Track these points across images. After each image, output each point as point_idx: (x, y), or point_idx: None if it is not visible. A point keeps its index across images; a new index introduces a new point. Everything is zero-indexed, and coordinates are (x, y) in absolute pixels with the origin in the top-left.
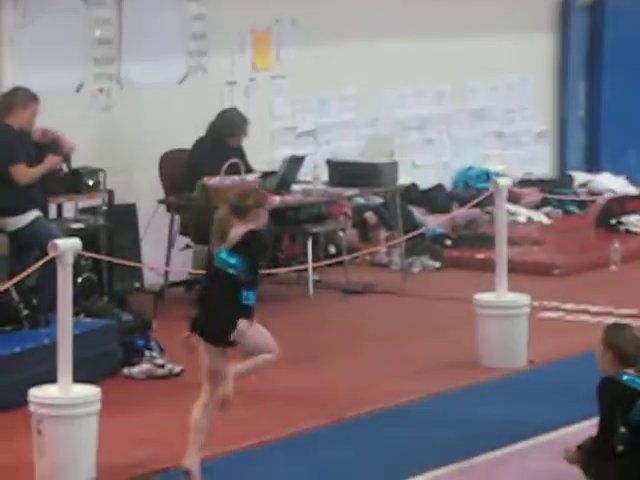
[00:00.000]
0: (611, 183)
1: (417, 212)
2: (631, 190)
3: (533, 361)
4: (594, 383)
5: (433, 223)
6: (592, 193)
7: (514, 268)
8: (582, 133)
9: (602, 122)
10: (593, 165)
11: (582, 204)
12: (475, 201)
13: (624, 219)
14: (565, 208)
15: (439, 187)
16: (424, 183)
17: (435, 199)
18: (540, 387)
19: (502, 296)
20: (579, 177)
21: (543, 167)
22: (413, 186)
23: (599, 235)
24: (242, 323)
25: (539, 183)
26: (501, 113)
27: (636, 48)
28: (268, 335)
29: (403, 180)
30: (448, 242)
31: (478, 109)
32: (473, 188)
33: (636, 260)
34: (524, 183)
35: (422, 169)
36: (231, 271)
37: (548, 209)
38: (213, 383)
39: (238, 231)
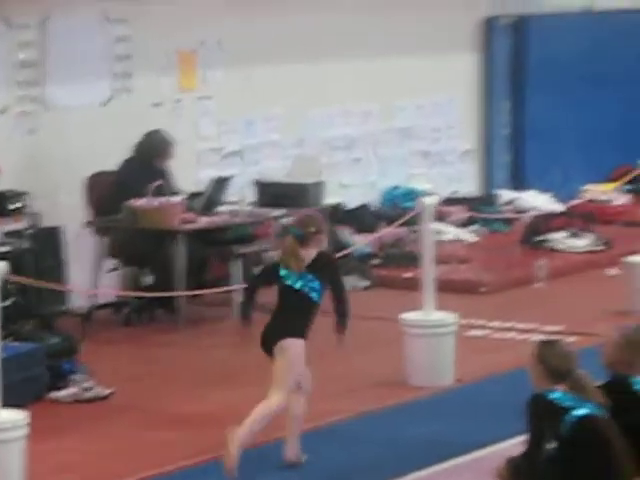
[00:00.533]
0: (536, 201)
1: (345, 232)
2: (556, 207)
3: (461, 379)
4: (522, 400)
5: (361, 242)
6: (518, 211)
7: (441, 286)
8: (507, 151)
9: (527, 140)
10: (519, 183)
11: (508, 222)
12: (402, 220)
13: (549, 236)
14: (491, 226)
15: (366, 206)
16: (351, 202)
17: (362, 218)
18: (468, 405)
19: (429, 315)
20: (505, 195)
21: (469, 185)
22: (340, 206)
23: (525, 252)
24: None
25: (465, 201)
26: (427, 132)
27: (559, 66)
28: (298, 372)
29: (330, 200)
30: (376, 261)
31: (404, 128)
32: (400, 207)
33: (561, 277)
34: (450, 202)
35: (349, 189)
36: (298, 286)
37: (474, 227)
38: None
39: (308, 255)
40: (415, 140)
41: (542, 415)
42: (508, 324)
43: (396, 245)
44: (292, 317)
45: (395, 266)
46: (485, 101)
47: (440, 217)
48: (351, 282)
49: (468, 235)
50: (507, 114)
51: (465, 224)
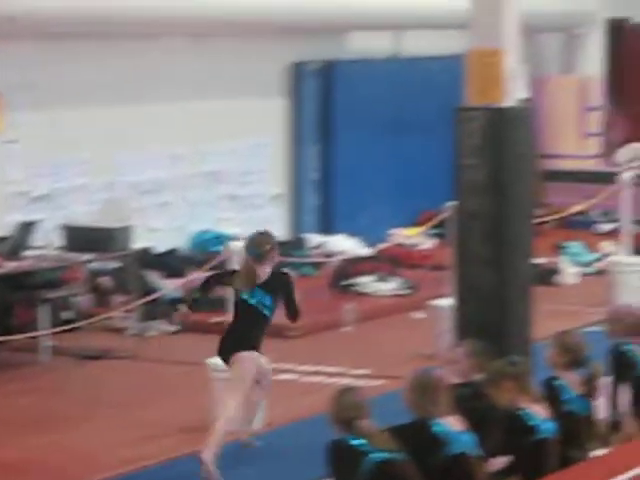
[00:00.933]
0: (344, 245)
1: (153, 276)
2: (363, 251)
3: (270, 423)
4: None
5: (169, 287)
6: (326, 255)
7: None
8: (316, 195)
9: (335, 184)
10: (327, 227)
11: (317, 266)
12: (210, 264)
13: (357, 280)
14: (300, 270)
15: (175, 251)
16: (160, 247)
17: (171, 263)
18: (277, 449)
19: None
20: (314, 239)
21: (278, 229)
22: (149, 250)
23: (333, 296)
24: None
25: None
26: (236, 176)
27: (367, 112)
28: (248, 382)
29: (139, 244)
30: (184, 306)
31: (213, 172)
32: (209, 251)
33: (369, 320)
34: None
35: (158, 233)
36: (253, 302)
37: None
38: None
39: (262, 273)
40: (224, 184)
41: (342, 460)
42: (317, 368)
43: None
44: (246, 331)
45: (204, 311)
46: (294, 145)
47: None
48: (159, 326)
49: None
50: (316, 158)
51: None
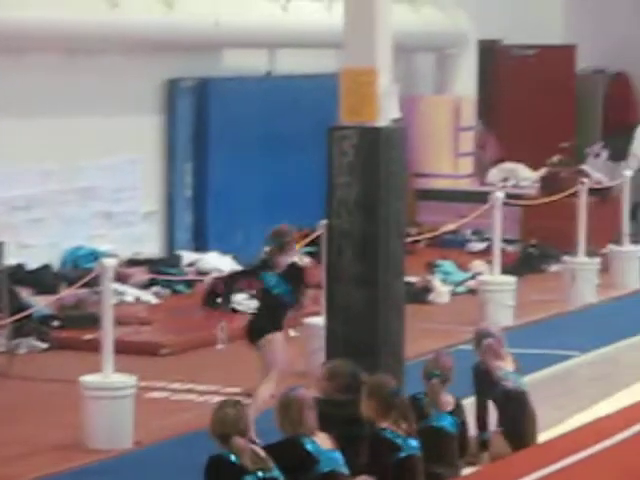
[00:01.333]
0: (218, 262)
1: (24, 293)
2: (237, 269)
3: (140, 442)
4: (202, 462)
5: (40, 304)
6: (200, 272)
7: (122, 349)
8: (190, 213)
9: (209, 202)
10: (201, 244)
11: (190, 283)
12: (82, 281)
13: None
14: (173, 287)
15: (47, 267)
16: (32, 263)
17: (43, 279)
18: (146, 468)
19: (108, 377)
20: (187, 256)
21: (152, 247)
22: (21, 266)
23: (207, 314)
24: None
25: (148, 263)
26: (109, 193)
27: (240, 130)
28: (282, 354)
29: (10, 260)
30: (55, 323)
31: (86, 188)
32: (82, 268)
33: (242, 339)
34: (132, 263)
35: (30, 249)
36: (276, 291)
37: (156, 288)
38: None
39: (282, 262)
40: (97, 201)
41: (222, 477)
42: (189, 386)
43: (77, 306)
44: (270, 316)
45: (76, 328)
46: (168, 162)
47: (122, 278)
48: (30, 344)
49: (150, 297)
50: (189, 176)
51: (147, 285)
